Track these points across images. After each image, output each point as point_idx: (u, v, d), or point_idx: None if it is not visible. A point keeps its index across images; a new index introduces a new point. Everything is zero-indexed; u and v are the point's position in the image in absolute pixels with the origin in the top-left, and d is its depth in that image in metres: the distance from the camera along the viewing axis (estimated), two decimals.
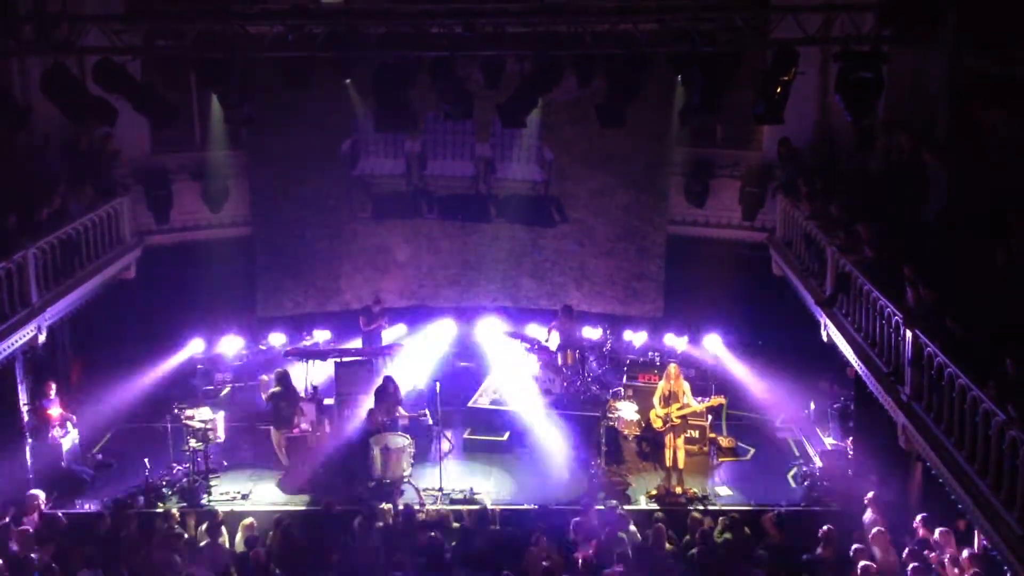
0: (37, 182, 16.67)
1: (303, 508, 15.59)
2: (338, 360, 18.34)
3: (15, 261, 14.69)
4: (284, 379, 16.80)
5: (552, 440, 17.25)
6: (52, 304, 15.75)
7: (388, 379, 17.12)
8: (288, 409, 16.59)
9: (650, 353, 19.13)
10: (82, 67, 15.64)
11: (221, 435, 16.59)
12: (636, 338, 20.08)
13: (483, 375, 19.49)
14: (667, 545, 13.78)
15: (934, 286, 12.32)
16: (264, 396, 16.98)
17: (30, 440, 16.13)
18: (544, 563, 13.04)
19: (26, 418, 16.13)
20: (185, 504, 15.51)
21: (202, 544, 14.13)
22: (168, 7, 15.44)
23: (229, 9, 14.75)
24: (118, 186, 18.52)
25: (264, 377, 17.95)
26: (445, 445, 16.67)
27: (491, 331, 20.41)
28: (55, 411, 16.70)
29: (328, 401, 17.90)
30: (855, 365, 14.85)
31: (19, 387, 15.88)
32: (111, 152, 18.41)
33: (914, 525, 13.27)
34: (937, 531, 12.64)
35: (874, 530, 13.28)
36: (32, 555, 13.15)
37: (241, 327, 20.13)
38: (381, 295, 20.24)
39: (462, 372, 19.76)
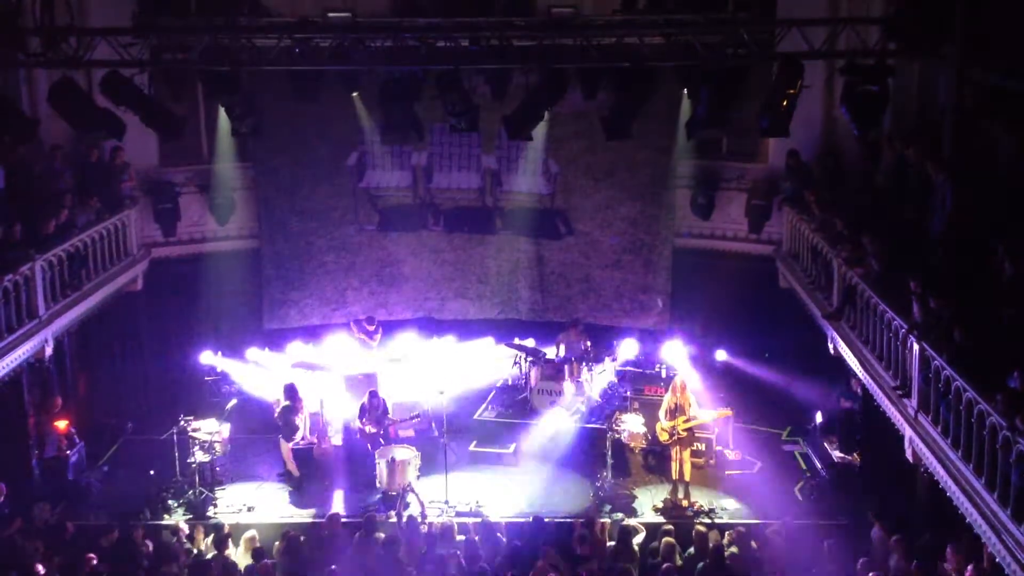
0: (44, 194, 16.72)
1: (308, 520, 15.59)
2: (346, 374, 18.37)
3: (22, 273, 14.73)
4: (292, 392, 16.81)
5: (558, 452, 17.23)
6: (59, 316, 15.79)
7: (372, 394, 17.09)
8: (296, 420, 16.60)
9: (656, 366, 19.09)
10: (90, 80, 15.71)
11: (227, 447, 16.62)
12: (642, 351, 20.03)
13: (487, 387, 19.50)
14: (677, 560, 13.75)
15: (940, 299, 12.30)
16: (276, 411, 16.96)
17: (36, 452, 16.15)
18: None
19: (33, 430, 16.16)
20: (191, 516, 15.52)
21: (208, 557, 14.12)
22: (175, 21, 15.49)
23: (236, 23, 14.79)
24: (125, 199, 18.57)
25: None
26: (451, 457, 16.64)
27: (497, 343, 20.39)
28: (62, 423, 16.75)
29: (334, 414, 17.93)
30: (862, 378, 14.82)
31: (26, 399, 15.91)
32: (120, 165, 18.49)
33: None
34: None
35: (893, 538, 13.25)
36: (39, 567, 13.16)
37: (255, 339, 20.09)
38: (373, 316, 20.21)
39: (467, 384, 19.71)
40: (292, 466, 16.61)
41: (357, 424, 16.80)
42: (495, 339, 20.52)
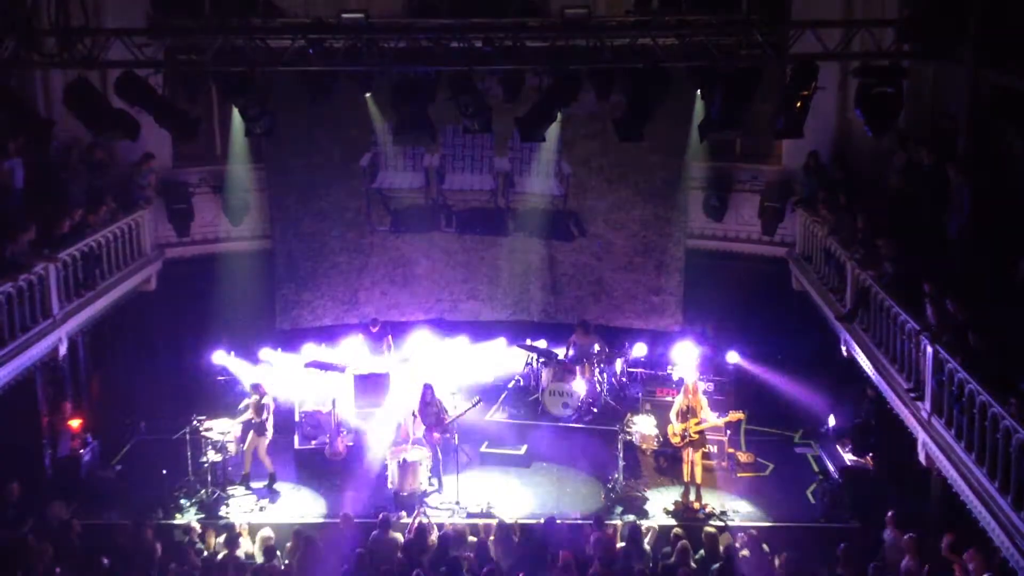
0: (60, 194, 16.79)
1: (320, 520, 15.62)
2: (356, 373, 18.40)
3: (37, 273, 14.80)
4: (259, 388, 16.84)
5: (570, 454, 17.20)
6: (73, 316, 15.86)
7: (427, 388, 16.83)
8: (266, 417, 16.66)
9: (668, 368, 19.07)
10: (104, 80, 15.77)
11: (239, 446, 16.66)
12: (654, 353, 20.01)
13: (499, 388, 19.51)
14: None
15: (956, 301, 12.25)
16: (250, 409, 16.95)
17: (50, 451, 16.22)
18: None
19: (46, 429, 16.23)
20: (204, 515, 15.55)
21: (220, 556, 14.15)
22: (190, 21, 15.52)
23: (250, 23, 14.81)
24: (140, 199, 18.65)
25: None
26: (462, 458, 16.65)
27: (508, 345, 20.39)
28: (75, 422, 16.81)
29: (345, 415, 17.96)
30: (875, 380, 14.77)
31: (39, 398, 15.98)
32: (146, 169, 18.62)
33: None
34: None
35: (905, 537, 13.19)
36: (52, 566, 13.21)
37: (267, 339, 20.11)
38: (377, 317, 20.24)
39: (478, 385, 19.72)
40: (268, 462, 16.72)
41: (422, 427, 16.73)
42: (507, 340, 20.52)
